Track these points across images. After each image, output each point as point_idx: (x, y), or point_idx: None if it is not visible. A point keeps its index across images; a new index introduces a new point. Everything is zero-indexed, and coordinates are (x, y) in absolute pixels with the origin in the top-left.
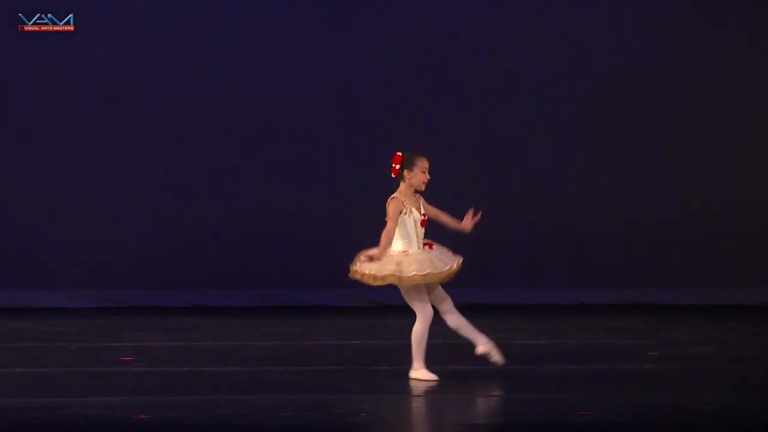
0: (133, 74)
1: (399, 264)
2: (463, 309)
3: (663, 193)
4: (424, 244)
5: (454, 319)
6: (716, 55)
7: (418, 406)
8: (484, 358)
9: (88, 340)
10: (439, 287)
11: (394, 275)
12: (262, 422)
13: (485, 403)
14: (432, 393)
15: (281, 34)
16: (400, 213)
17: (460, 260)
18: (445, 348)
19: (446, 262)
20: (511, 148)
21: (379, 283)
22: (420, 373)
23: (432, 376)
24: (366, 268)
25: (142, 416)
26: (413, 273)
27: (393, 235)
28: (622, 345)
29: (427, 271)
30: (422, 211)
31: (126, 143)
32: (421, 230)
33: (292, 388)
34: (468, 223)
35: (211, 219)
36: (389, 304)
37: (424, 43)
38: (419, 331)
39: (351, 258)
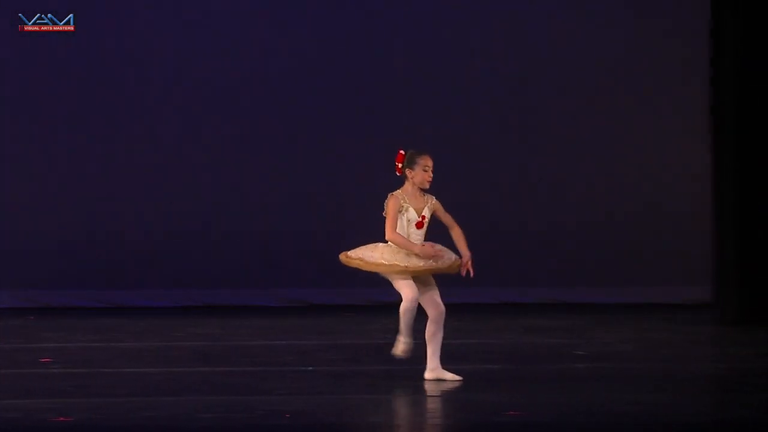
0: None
1: (374, 250)
2: (390, 310)
3: (588, 193)
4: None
5: (432, 330)
6: (640, 59)
7: (342, 407)
8: (415, 358)
9: (5, 342)
10: (436, 294)
11: (361, 259)
12: (183, 424)
13: (412, 403)
14: (357, 393)
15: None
16: (399, 211)
17: (448, 261)
18: (377, 348)
19: (428, 262)
20: (436, 148)
21: (352, 265)
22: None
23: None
24: (351, 252)
25: (61, 419)
26: (380, 260)
27: (394, 229)
28: (549, 344)
29: (392, 262)
30: (423, 213)
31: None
32: (417, 231)
33: (214, 389)
34: (464, 264)
35: (134, 219)
36: (315, 303)
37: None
38: (405, 309)
39: (268, 258)
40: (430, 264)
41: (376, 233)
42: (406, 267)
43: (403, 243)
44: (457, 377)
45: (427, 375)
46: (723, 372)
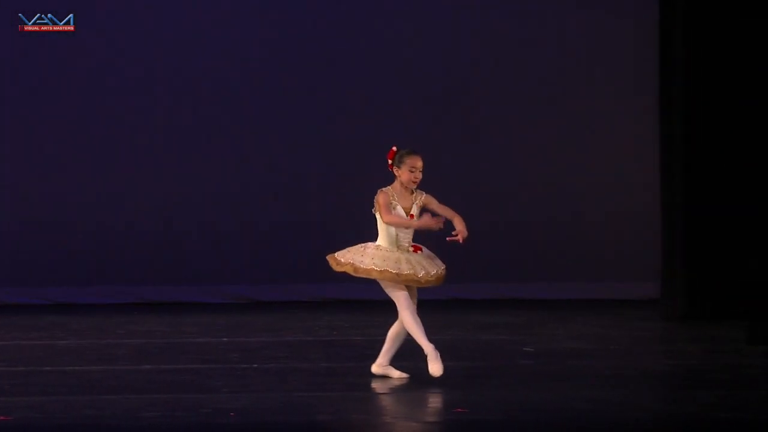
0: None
1: (363, 255)
2: (341, 305)
3: (538, 190)
4: (413, 247)
5: (397, 326)
6: (591, 58)
7: (287, 404)
8: (361, 356)
9: None
10: (414, 296)
11: (352, 264)
12: (126, 423)
13: (359, 400)
14: (303, 390)
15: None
16: (390, 204)
17: (437, 272)
18: (322, 344)
19: (417, 268)
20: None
21: (342, 269)
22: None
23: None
24: (339, 255)
25: (2, 418)
26: (370, 266)
27: (390, 212)
28: (498, 341)
29: (383, 268)
30: (412, 212)
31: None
32: (404, 230)
33: (157, 387)
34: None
35: (77, 216)
36: (259, 300)
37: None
38: (407, 321)
39: (212, 255)
40: (422, 274)
41: (327, 232)
42: (398, 274)
43: (400, 221)
44: (404, 375)
45: (374, 369)
46: (671, 368)
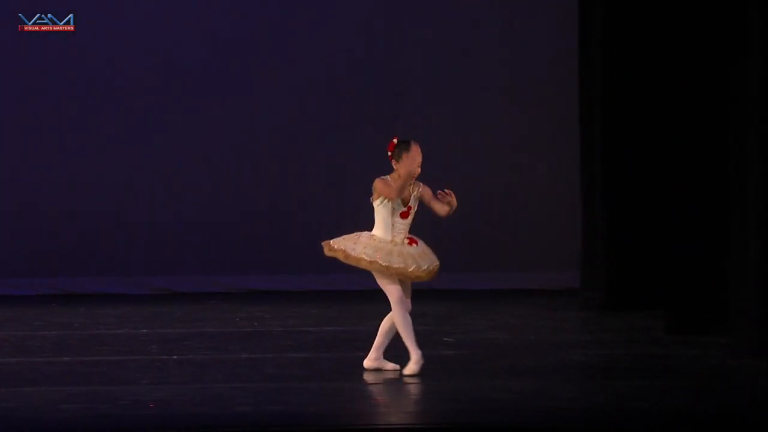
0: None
1: (356, 243)
2: (262, 296)
3: (459, 182)
4: (409, 240)
5: (388, 319)
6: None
7: (207, 396)
8: (281, 346)
9: None
10: (408, 289)
11: (344, 251)
12: (45, 415)
13: (277, 392)
14: (222, 382)
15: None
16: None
17: (428, 267)
18: (242, 336)
19: (408, 261)
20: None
21: (332, 255)
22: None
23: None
24: (334, 242)
25: None
26: (361, 255)
27: (394, 184)
28: (418, 331)
29: (374, 259)
30: (410, 203)
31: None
32: (401, 221)
33: (77, 379)
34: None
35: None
36: (177, 291)
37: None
38: (397, 317)
39: (131, 245)
40: (412, 268)
41: (247, 224)
42: (387, 267)
43: (403, 181)
44: (397, 366)
45: (367, 363)
46: (589, 358)
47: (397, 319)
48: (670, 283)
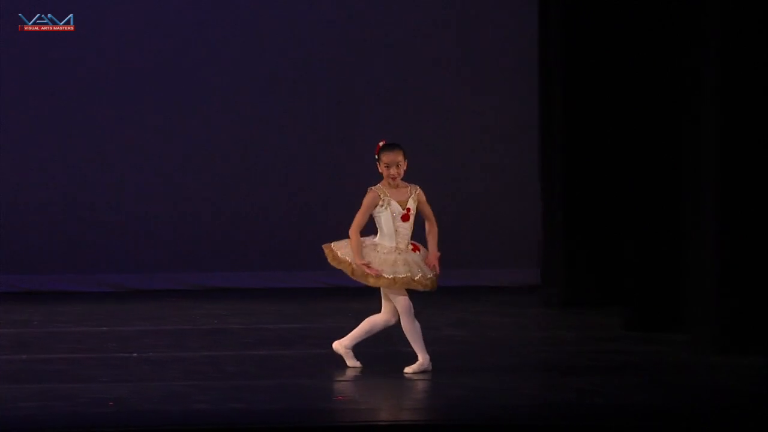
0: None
1: (360, 256)
2: (221, 294)
3: (420, 177)
4: (413, 246)
5: (374, 323)
6: (469, 40)
7: (165, 394)
8: (241, 344)
9: None
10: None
11: (351, 265)
12: (5, 413)
13: (235, 389)
14: (181, 379)
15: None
16: (376, 206)
17: (434, 275)
18: (201, 333)
19: (413, 270)
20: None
21: (340, 267)
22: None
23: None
24: (337, 248)
25: None
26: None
27: (358, 228)
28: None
29: (379, 275)
30: (408, 206)
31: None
32: (404, 225)
33: (36, 377)
34: (430, 260)
35: None
36: (137, 289)
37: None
38: (406, 326)
39: (87, 242)
40: (418, 276)
41: (204, 221)
42: (394, 280)
43: (354, 246)
44: (358, 364)
45: (335, 345)
46: (549, 355)
47: (407, 329)
48: (629, 281)
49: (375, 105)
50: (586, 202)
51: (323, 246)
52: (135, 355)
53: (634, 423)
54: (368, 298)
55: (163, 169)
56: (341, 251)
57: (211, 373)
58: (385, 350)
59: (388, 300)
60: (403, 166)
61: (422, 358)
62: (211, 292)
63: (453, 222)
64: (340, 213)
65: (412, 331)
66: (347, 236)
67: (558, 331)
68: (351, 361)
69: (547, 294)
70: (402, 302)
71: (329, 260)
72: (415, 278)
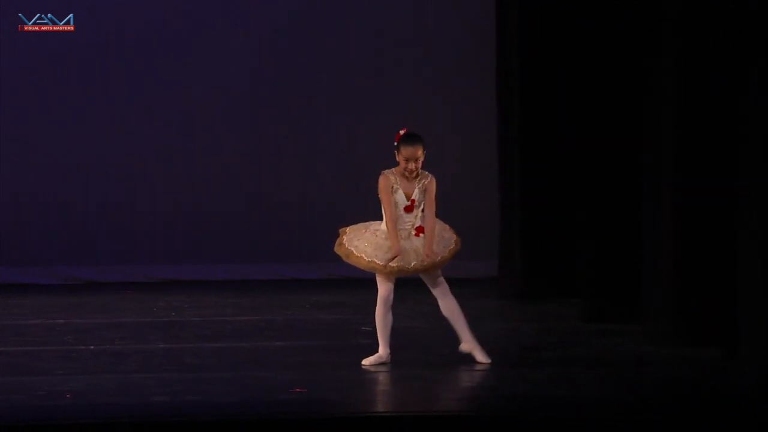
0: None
1: (359, 239)
2: (179, 286)
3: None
4: (417, 230)
5: (447, 306)
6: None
7: (122, 386)
8: (199, 336)
9: None
10: (438, 282)
11: (346, 249)
12: None
13: (192, 382)
14: (138, 372)
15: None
16: (391, 187)
17: (438, 258)
18: (159, 326)
19: (409, 257)
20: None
21: (338, 252)
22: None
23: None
24: (350, 230)
25: None
26: (360, 254)
27: (392, 218)
28: (336, 320)
29: (371, 258)
30: (413, 197)
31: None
32: (406, 215)
33: None
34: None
35: None
36: (94, 281)
37: None
38: (378, 314)
39: (45, 234)
40: (413, 264)
41: (158, 213)
42: (384, 266)
43: (391, 235)
44: (488, 359)
45: (462, 347)
46: (505, 346)
47: (378, 317)
48: (586, 272)
49: (331, 101)
50: (543, 194)
51: (340, 230)
52: (92, 347)
53: (591, 414)
54: (325, 289)
55: (119, 162)
56: (347, 235)
57: (168, 365)
58: (345, 343)
59: (434, 286)
60: (422, 159)
61: (382, 351)
62: (169, 284)
63: None
64: (297, 204)
65: (382, 321)
66: (309, 229)
67: (516, 322)
68: (480, 356)
69: (505, 286)
70: (382, 290)
71: (335, 246)
72: (410, 266)
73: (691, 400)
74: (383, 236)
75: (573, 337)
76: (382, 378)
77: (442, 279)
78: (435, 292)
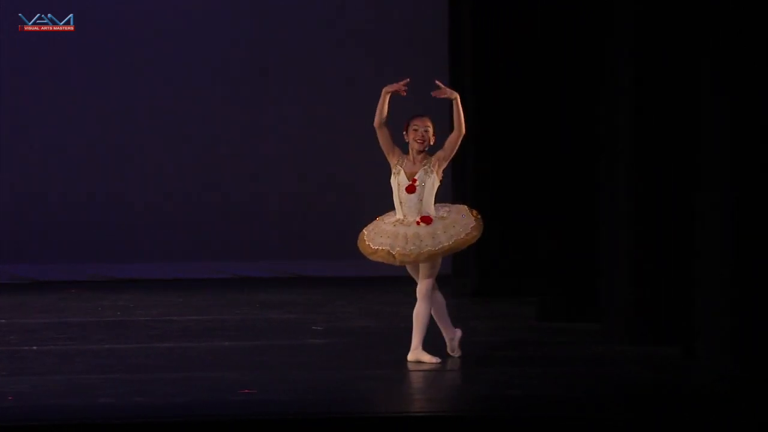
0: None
1: (370, 229)
2: (126, 285)
3: (328, 167)
4: (420, 219)
5: (415, 310)
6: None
7: (69, 387)
8: (146, 336)
9: None
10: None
11: (360, 238)
12: None
13: (139, 383)
14: (85, 373)
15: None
16: (392, 156)
17: (433, 248)
18: (106, 325)
19: (396, 242)
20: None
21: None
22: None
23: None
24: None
25: None
26: (367, 242)
27: (379, 108)
28: (286, 319)
29: (369, 243)
30: (415, 177)
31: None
32: (408, 196)
33: None
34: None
35: None
36: (38, 280)
37: None
38: (434, 300)
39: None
40: (398, 250)
41: (113, 208)
42: (376, 250)
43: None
44: (436, 359)
45: (409, 356)
46: (464, 345)
47: (422, 312)
48: (542, 271)
49: (290, 95)
50: (497, 191)
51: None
52: (36, 348)
53: (547, 413)
54: (275, 289)
55: (64, 159)
56: (368, 232)
57: (115, 366)
58: (295, 343)
59: (419, 281)
60: (431, 132)
61: (450, 333)
62: (115, 283)
63: (361, 212)
64: (244, 201)
65: (433, 312)
66: (260, 228)
67: (471, 321)
68: (428, 358)
69: (459, 284)
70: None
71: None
72: (394, 250)
73: (649, 400)
74: (386, 224)
75: (528, 335)
76: (337, 378)
77: (427, 281)
78: (417, 288)
